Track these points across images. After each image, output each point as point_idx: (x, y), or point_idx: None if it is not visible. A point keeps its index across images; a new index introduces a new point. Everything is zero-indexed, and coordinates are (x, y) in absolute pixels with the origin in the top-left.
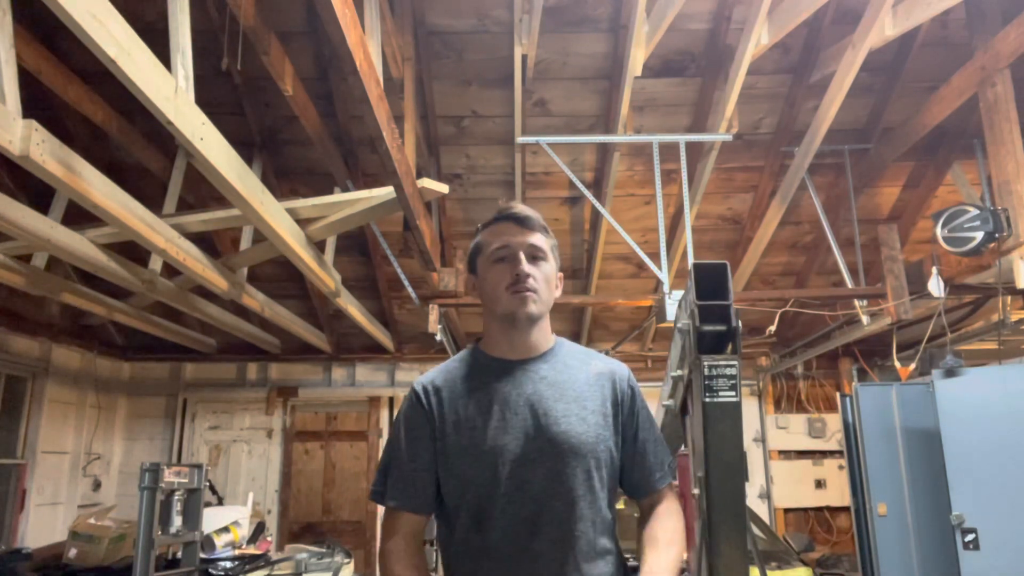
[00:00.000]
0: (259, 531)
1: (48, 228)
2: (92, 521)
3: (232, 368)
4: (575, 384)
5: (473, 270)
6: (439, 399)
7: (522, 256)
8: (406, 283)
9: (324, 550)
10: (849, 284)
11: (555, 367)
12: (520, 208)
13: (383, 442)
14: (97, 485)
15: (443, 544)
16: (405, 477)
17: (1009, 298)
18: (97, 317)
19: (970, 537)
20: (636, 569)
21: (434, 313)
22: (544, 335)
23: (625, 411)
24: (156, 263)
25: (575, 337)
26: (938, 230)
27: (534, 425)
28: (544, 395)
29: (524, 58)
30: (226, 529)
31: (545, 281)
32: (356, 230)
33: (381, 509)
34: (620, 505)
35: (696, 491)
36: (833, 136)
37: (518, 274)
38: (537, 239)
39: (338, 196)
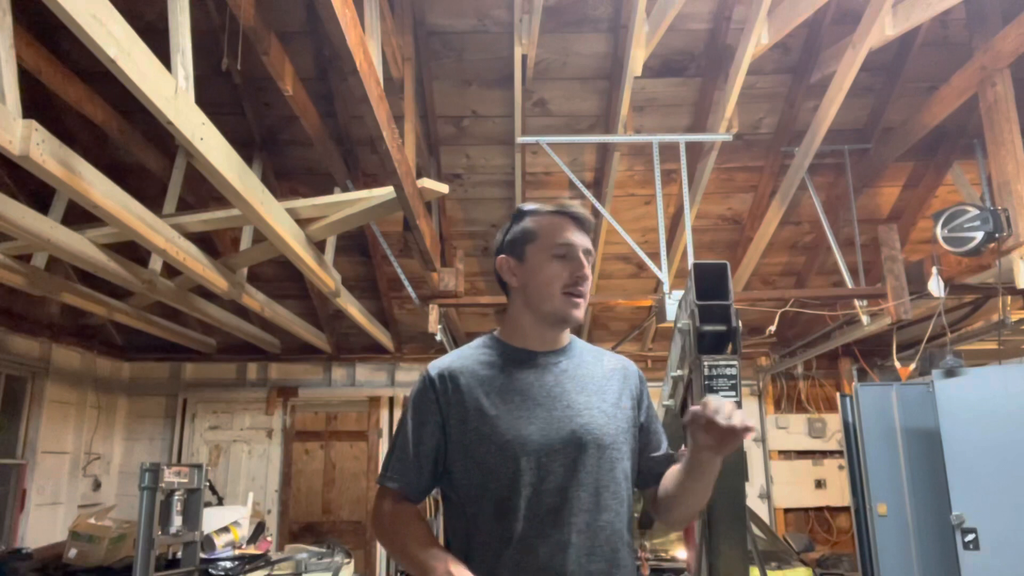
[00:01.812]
0: (259, 531)
1: (48, 228)
2: (92, 521)
3: (232, 368)
4: (594, 377)
5: (515, 254)
6: (456, 385)
7: (583, 260)
8: (406, 283)
9: (324, 550)
10: (849, 284)
11: (573, 361)
12: (580, 209)
13: (383, 442)
14: (97, 485)
15: (460, 535)
16: (407, 461)
17: (1009, 298)
18: (97, 317)
19: (970, 537)
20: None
21: (434, 313)
22: (566, 331)
23: (640, 407)
24: (156, 263)
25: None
26: (938, 230)
27: (557, 416)
28: (566, 387)
29: (524, 58)
30: (226, 529)
31: (588, 288)
32: (356, 230)
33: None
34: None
35: None
36: (833, 136)
37: (580, 277)
38: (589, 244)
39: (338, 196)
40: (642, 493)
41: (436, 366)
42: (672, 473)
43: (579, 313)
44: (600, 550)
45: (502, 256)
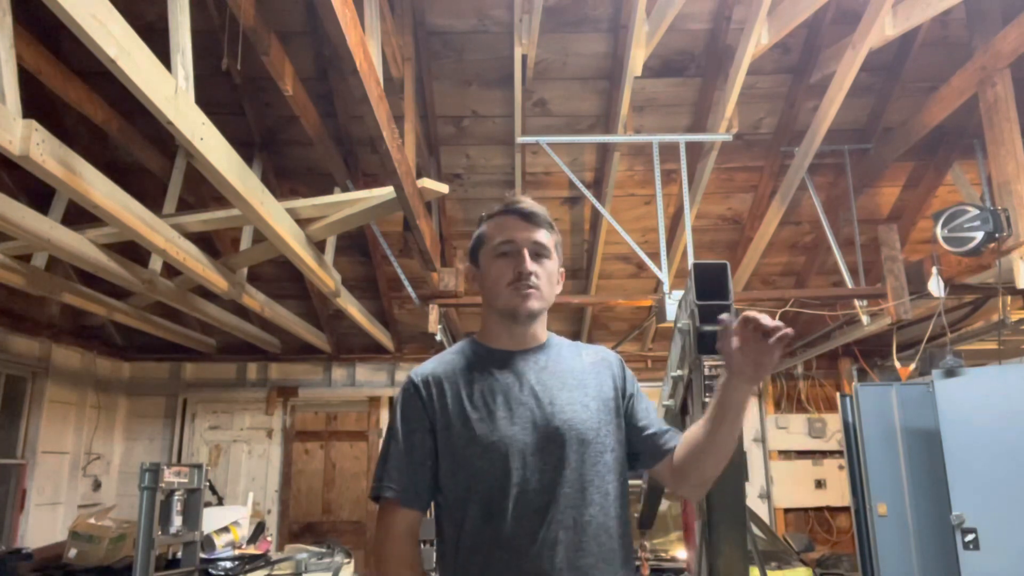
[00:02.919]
0: (259, 531)
1: (48, 228)
2: (92, 521)
3: (232, 368)
4: (574, 372)
5: (475, 261)
6: (440, 390)
7: (526, 253)
8: (406, 283)
9: (324, 550)
10: (849, 284)
11: (552, 357)
12: (526, 203)
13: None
14: (97, 485)
15: (448, 538)
16: (402, 470)
17: (1009, 298)
18: (97, 317)
19: (970, 537)
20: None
21: (434, 313)
22: (542, 328)
23: (623, 394)
24: (156, 263)
25: (575, 337)
26: (938, 230)
27: (541, 414)
28: (547, 384)
29: (524, 58)
30: (226, 529)
31: (547, 278)
32: (356, 230)
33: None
34: None
35: None
36: (833, 136)
37: (520, 272)
38: (541, 236)
39: (338, 196)
40: (651, 473)
41: (419, 373)
42: (693, 431)
43: (531, 304)
44: (588, 545)
45: (467, 265)
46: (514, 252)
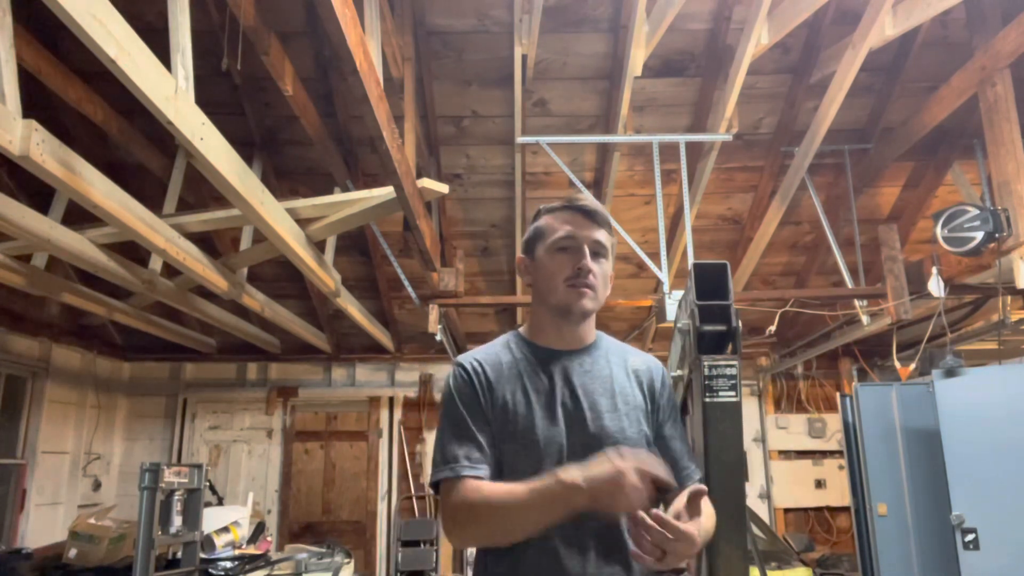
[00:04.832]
0: (259, 531)
1: (48, 228)
2: (92, 521)
3: (232, 368)
4: (618, 379)
5: (529, 253)
6: (487, 379)
7: (586, 250)
8: (406, 283)
9: (324, 550)
10: (849, 284)
11: (598, 361)
12: (590, 201)
13: (383, 442)
14: (97, 485)
15: None
16: (479, 446)
17: (1009, 298)
18: (97, 317)
19: (970, 537)
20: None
21: (434, 313)
22: (590, 329)
23: (658, 409)
24: (156, 263)
25: None
26: (938, 230)
27: (580, 418)
28: (590, 388)
29: (524, 58)
30: (226, 529)
31: (603, 279)
32: (356, 230)
33: (382, 508)
34: None
35: None
36: (833, 136)
37: (580, 268)
38: (602, 235)
39: (338, 196)
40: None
41: (468, 359)
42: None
43: (586, 303)
44: (617, 555)
45: (520, 256)
46: (575, 248)
